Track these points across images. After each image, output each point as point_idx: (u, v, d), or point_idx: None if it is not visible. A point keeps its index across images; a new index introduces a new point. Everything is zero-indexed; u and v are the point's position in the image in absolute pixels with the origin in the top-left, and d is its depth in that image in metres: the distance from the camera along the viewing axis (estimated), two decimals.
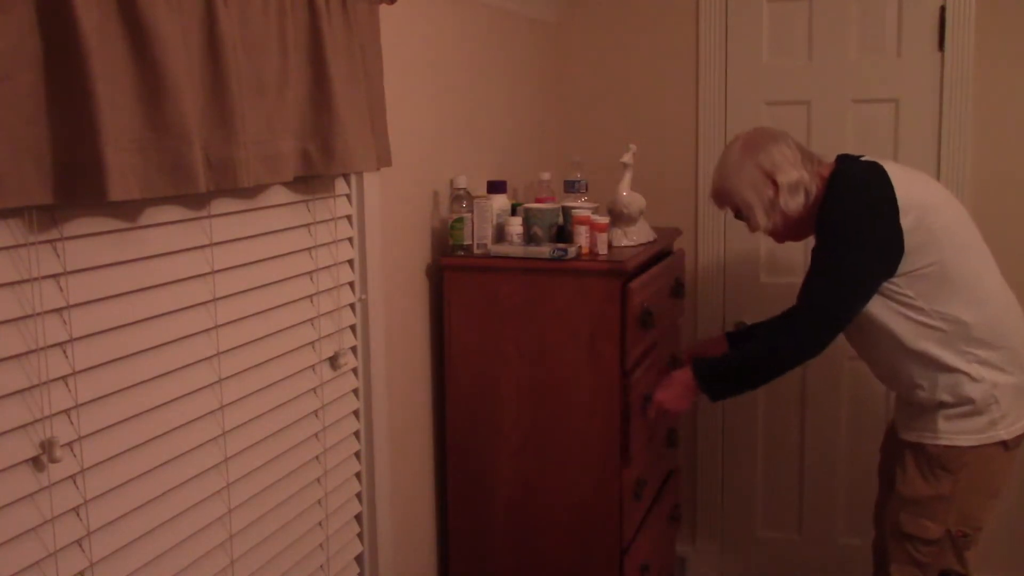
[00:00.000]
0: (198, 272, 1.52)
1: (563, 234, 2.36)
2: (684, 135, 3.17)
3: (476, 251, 2.29)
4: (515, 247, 2.28)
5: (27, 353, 1.21)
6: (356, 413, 2.04)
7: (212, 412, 1.57)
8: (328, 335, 1.91)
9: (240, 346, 1.63)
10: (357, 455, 2.06)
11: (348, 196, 1.98)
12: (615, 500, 2.26)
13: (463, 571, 2.42)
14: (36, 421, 1.23)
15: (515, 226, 2.32)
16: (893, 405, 2.33)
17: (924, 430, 2.13)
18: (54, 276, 1.25)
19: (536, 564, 2.35)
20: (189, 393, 1.51)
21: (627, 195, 2.46)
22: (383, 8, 1.96)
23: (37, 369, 1.22)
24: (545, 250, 2.23)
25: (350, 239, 1.99)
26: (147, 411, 1.42)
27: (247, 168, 1.46)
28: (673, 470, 2.85)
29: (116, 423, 1.36)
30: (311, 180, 1.84)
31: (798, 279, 3.04)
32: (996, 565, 2.90)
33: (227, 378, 1.60)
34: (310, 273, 1.85)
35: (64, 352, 1.27)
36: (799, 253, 3.05)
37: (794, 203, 2.18)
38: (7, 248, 1.18)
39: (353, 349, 2.02)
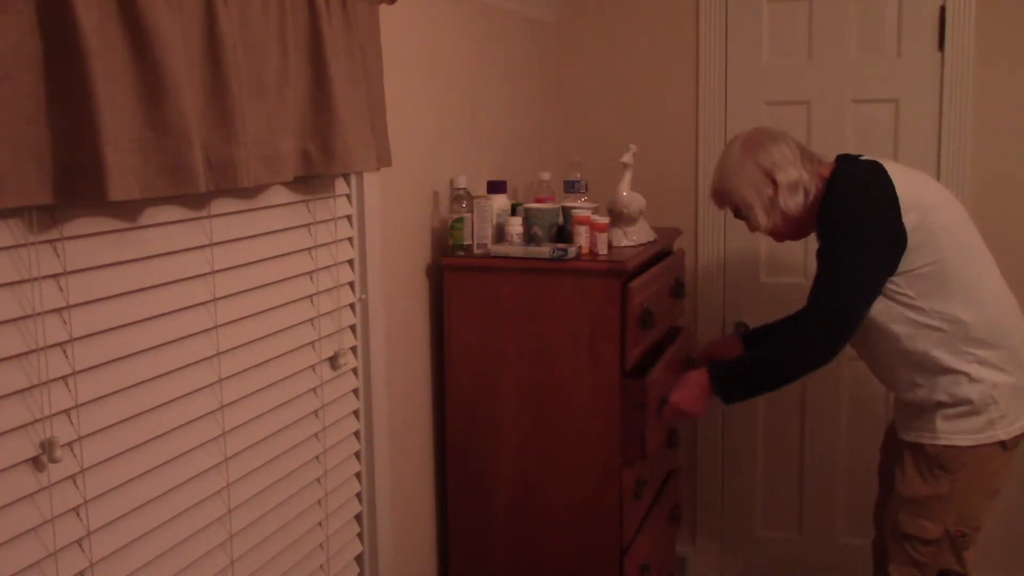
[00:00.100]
0: (198, 272, 1.52)
1: (563, 234, 2.36)
2: (684, 135, 3.17)
3: (476, 251, 2.29)
4: (515, 247, 2.28)
5: (27, 353, 1.21)
6: (356, 413, 2.04)
7: (212, 412, 1.57)
8: (328, 335, 1.91)
9: (240, 346, 1.64)
10: (357, 455, 2.06)
11: (348, 196, 1.98)
12: (615, 500, 2.26)
13: (463, 571, 2.42)
14: (36, 421, 1.23)
15: (515, 226, 2.32)
16: (893, 405, 2.33)
17: (923, 430, 2.13)
18: (54, 276, 1.25)
19: (536, 564, 2.35)
20: (189, 393, 1.51)
21: (627, 195, 2.46)
22: (383, 8, 1.96)
23: (37, 369, 1.22)
24: (545, 250, 2.23)
25: (350, 239, 1.99)
26: (147, 411, 1.42)
27: (247, 168, 1.46)
28: (673, 470, 2.85)
29: (116, 423, 1.36)
30: (311, 180, 1.84)
31: (798, 279, 3.08)
32: (995, 565, 2.90)
33: (227, 378, 1.60)
34: (310, 273, 1.85)
35: (64, 352, 1.27)
36: (799, 253, 3.06)
37: (793, 202, 2.19)
38: (7, 248, 1.18)
39: (353, 349, 2.02)
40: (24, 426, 1.21)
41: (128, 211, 1.36)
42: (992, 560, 2.87)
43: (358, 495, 2.07)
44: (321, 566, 1.93)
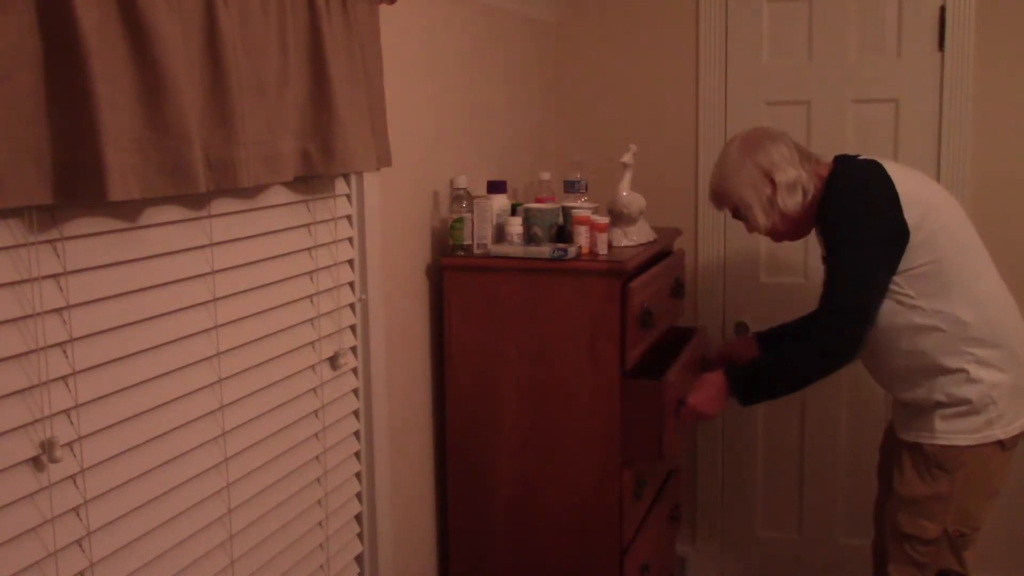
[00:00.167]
0: (198, 272, 1.52)
1: (563, 234, 2.36)
2: (684, 135, 3.17)
3: (476, 251, 2.29)
4: (515, 247, 2.28)
5: (27, 353, 1.21)
6: (356, 413, 2.04)
7: (212, 412, 1.57)
8: (328, 335, 1.91)
9: (240, 346, 1.63)
10: (357, 455, 2.06)
11: (348, 196, 1.98)
12: (615, 500, 2.26)
13: (463, 571, 2.42)
14: (36, 421, 1.23)
15: (515, 226, 2.32)
16: (891, 405, 2.33)
17: (921, 430, 2.13)
18: (54, 276, 1.25)
19: (536, 564, 2.35)
20: (189, 393, 1.51)
21: (627, 195, 2.46)
22: (383, 8, 1.96)
23: (37, 369, 1.22)
24: (545, 250, 2.23)
25: (350, 239, 1.99)
26: (147, 411, 1.42)
27: (247, 168, 1.46)
28: (673, 470, 2.85)
29: (116, 423, 1.36)
30: (311, 180, 1.84)
31: (798, 279, 3.09)
32: (994, 565, 2.90)
33: (227, 378, 1.60)
34: (310, 273, 1.85)
35: (64, 352, 1.27)
36: (799, 253, 3.06)
37: (792, 202, 2.19)
38: (7, 248, 1.18)
39: (353, 349, 2.02)
40: (24, 426, 1.21)
41: (128, 211, 1.36)
42: (991, 560, 2.86)
43: (358, 495, 2.07)
44: (321, 566, 1.93)
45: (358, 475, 2.07)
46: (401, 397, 2.22)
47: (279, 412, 1.76)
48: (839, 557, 3.15)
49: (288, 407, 1.78)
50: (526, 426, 2.30)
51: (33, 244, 1.21)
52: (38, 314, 1.22)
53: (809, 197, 2.20)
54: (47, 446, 1.23)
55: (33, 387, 1.22)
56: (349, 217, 1.99)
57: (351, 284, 2.01)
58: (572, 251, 2.23)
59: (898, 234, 2.05)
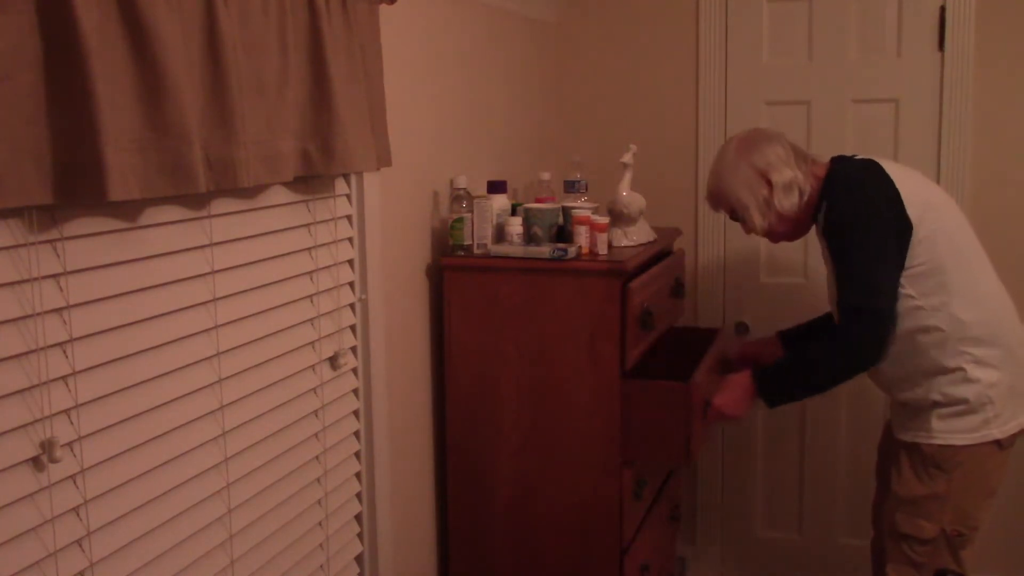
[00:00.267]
0: (198, 272, 1.52)
1: (563, 234, 2.36)
2: (684, 135, 3.17)
3: (476, 251, 2.29)
4: (515, 247, 2.28)
5: (27, 353, 1.21)
6: (356, 413, 2.04)
7: (212, 412, 1.57)
8: (328, 335, 1.91)
9: (240, 346, 1.64)
10: (357, 455, 2.06)
11: (348, 196, 1.98)
12: (615, 500, 2.26)
13: (463, 571, 2.42)
14: (36, 421, 1.23)
15: (515, 226, 2.32)
16: (889, 405, 2.33)
17: (919, 430, 2.13)
18: (54, 276, 1.25)
19: (536, 564, 2.35)
20: (189, 393, 1.51)
21: (627, 195, 2.46)
22: (383, 8, 1.96)
23: (37, 369, 1.22)
24: (545, 250, 2.23)
25: (350, 239, 1.99)
26: (147, 411, 1.42)
27: (247, 168, 1.46)
28: (673, 470, 2.85)
29: (116, 423, 1.36)
30: (311, 180, 1.84)
31: (798, 279, 3.09)
32: (993, 565, 2.90)
33: (227, 378, 1.60)
34: (310, 273, 1.85)
35: (64, 352, 1.27)
36: (799, 253, 3.06)
37: (788, 202, 2.19)
38: (7, 248, 1.18)
39: (353, 349, 2.02)
40: (24, 426, 1.21)
41: (128, 211, 1.36)
42: (990, 560, 2.86)
43: (358, 495, 2.07)
44: (321, 566, 1.93)
45: (358, 475, 2.07)
46: (401, 397, 2.22)
47: (279, 412, 1.76)
48: (839, 557, 3.15)
49: (288, 407, 1.78)
50: (526, 426, 2.30)
51: (33, 244, 1.21)
52: (38, 314, 1.22)
53: (805, 198, 2.20)
54: (47, 446, 1.23)
55: (33, 387, 1.22)
56: (349, 217, 1.99)
57: (351, 284, 2.01)
58: (572, 251, 2.23)
59: (902, 230, 2.05)
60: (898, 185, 2.07)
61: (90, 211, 1.29)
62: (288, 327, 1.77)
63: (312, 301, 1.86)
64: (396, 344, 2.18)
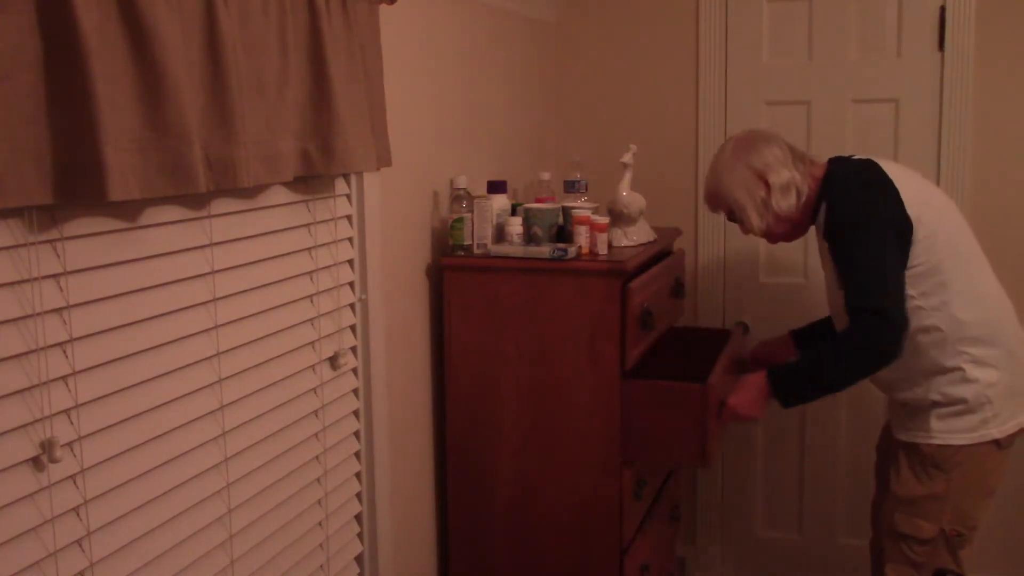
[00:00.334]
0: (198, 272, 1.52)
1: (563, 234, 2.36)
2: (684, 135, 3.17)
3: (476, 251, 2.29)
4: (515, 247, 2.28)
5: (27, 353, 1.21)
6: (356, 413, 2.04)
7: (212, 412, 1.57)
8: (328, 335, 1.91)
9: (240, 346, 1.64)
10: (357, 455, 2.06)
11: (348, 196, 1.98)
12: (615, 500, 2.26)
13: (463, 571, 2.42)
14: (36, 421, 1.23)
15: (515, 226, 2.32)
16: (888, 405, 2.33)
17: (918, 430, 2.13)
18: (54, 276, 1.25)
19: (536, 564, 2.35)
20: (189, 393, 1.51)
21: (627, 195, 2.46)
22: (383, 8, 1.96)
23: (37, 369, 1.22)
24: (545, 250, 2.23)
25: (350, 239, 1.99)
26: (147, 411, 1.42)
27: (247, 168, 1.46)
28: (673, 470, 2.85)
29: (116, 423, 1.36)
30: (311, 180, 1.84)
31: (798, 279, 3.09)
32: (992, 564, 2.90)
33: (227, 378, 1.60)
34: (310, 273, 1.85)
35: (64, 352, 1.27)
36: (799, 253, 3.06)
37: (786, 203, 2.19)
38: (7, 248, 1.18)
39: (353, 349, 2.02)
40: (24, 426, 1.21)
41: (128, 211, 1.36)
42: (989, 559, 2.87)
43: (358, 495, 2.07)
44: (321, 566, 1.93)
45: (358, 475, 2.07)
46: (401, 397, 2.22)
47: (279, 412, 1.76)
48: (839, 557, 3.15)
49: (288, 407, 1.78)
50: (526, 426, 2.30)
51: (33, 244, 1.21)
52: (38, 314, 1.22)
53: (803, 198, 2.19)
54: (47, 446, 1.23)
55: (33, 387, 1.22)
56: (349, 217, 1.99)
57: (351, 284, 2.01)
58: (572, 251, 2.23)
59: (903, 229, 2.04)
60: (897, 184, 2.07)
61: (90, 211, 1.29)
62: (288, 327, 1.77)
63: (312, 301, 1.86)
64: (396, 344, 2.18)
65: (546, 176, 2.60)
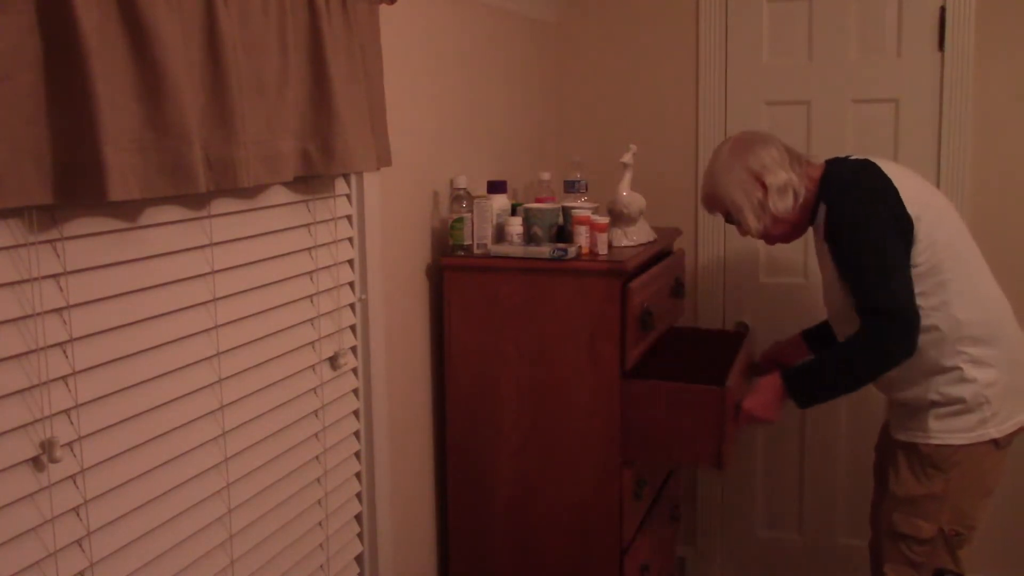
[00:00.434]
0: (198, 272, 1.52)
1: (563, 234, 2.36)
2: (684, 135, 3.17)
3: (476, 251, 2.30)
4: (515, 247, 2.28)
5: (27, 353, 1.21)
6: (356, 413, 2.05)
7: (212, 412, 1.57)
8: (328, 335, 1.91)
9: (240, 346, 1.64)
10: (357, 455, 2.06)
11: (348, 196, 1.98)
12: (615, 500, 2.26)
13: (463, 571, 2.42)
14: (36, 421, 1.23)
15: (515, 226, 2.32)
16: (886, 405, 2.33)
17: (916, 430, 2.13)
18: (54, 276, 1.25)
19: (536, 564, 2.35)
20: (189, 393, 1.51)
21: (627, 195, 2.46)
22: (383, 8, 1.96)
23: (37, 369, 1.22)
24: (545, 250, 2.23)
25: (350, 239, 1.99)
26: (147, 411, 1.42)
27: (247, 168, 1.46)
28: (673, 470, 2.85)
29: (116, 423, 1.36)
30: (311, 180, 1.84)
31: (798, 279, 3.09)
32: (991, 564, 2.91)
33: (227, 378, 1.60)
34: (310, 273, 1.85)
35: (64, 352, 1.27)
36: (799, 253, 3.06)
37: (783, 204, 2.18)
38: (7, 248, 1.18)
39: (353, 349, 2.02)
40: (24, 426, 1.21)
41: (128, 211, 1.36)
42: (988, 559, 2.87)
43: (358, 495, 2.07)
44: (321, 566, 1.93)
45: (358, 475, 2.07)
46: (401, 397, 2.22)
47: (279, 412, 1.76)
48: (839, 557, 3.15)
49: (288, 407, 1.78)
50: (526, 426, 2.30)
51: (33, 244, 1.21)
52: (38, 314, 1.22)
53: (800, 200, 2.19)
54: (47, 446, 1.23)
55: (33, 387, 1.22)
56: (349, 217, 1.99)
57: (351, 284, 2.01)
58: (572, 251, 2.23)
59: (906, 226, 2.04)
60: (896, 184, 2.07)
61: (90, 211, 1.29)
62: (288, 327, 1.77)
63: (312, 301, 1.86)
64: (396, 344, 2.19)
65: (546, 176, 2.60)
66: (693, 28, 3.12)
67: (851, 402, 3.08)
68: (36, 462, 1.23)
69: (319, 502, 1.91)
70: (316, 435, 1.88)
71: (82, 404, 1.30)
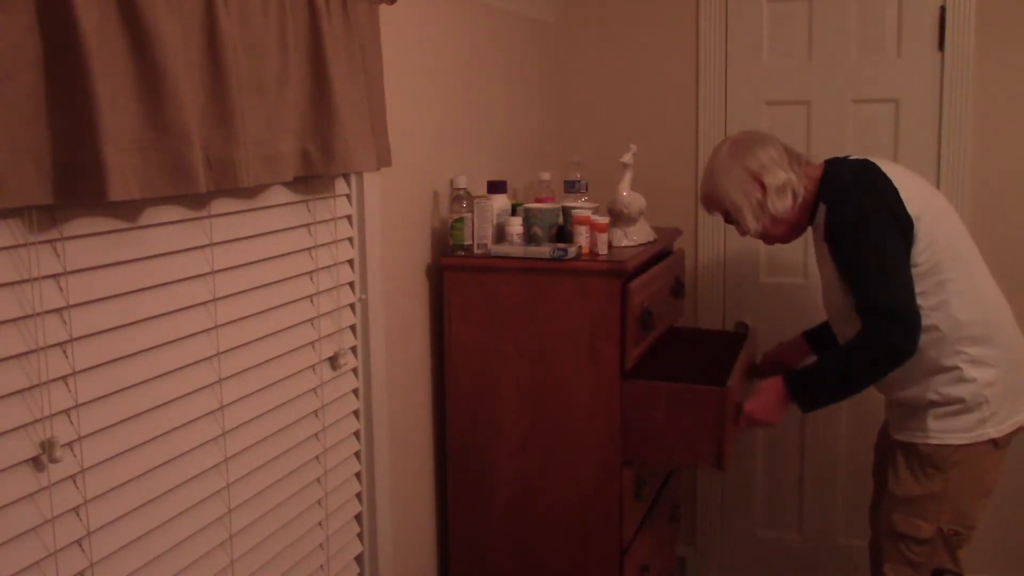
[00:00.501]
0: (198, 272, 1.52)
1: (563, 234, 2.36)
2: (684, 135, 3.17)
3: (476, 251, 2.30)
4: (515, 247, 2.28)
5: (27, 353, 1.21)
6: (356, 413, 2.04)
7: (212, 412, 1.57)
8: (328, 335, 1.91)
9: (240, 346, 1.64)
10: (357, 455, 2.06)
11: (348, 196, 1.98)
12: (615, 500, 2.26)
13: (463, 571, 2.42)
14: (36, 421, 1.23)
15: (515, 226, 2.32)
16: (885, 405, 2.33)
17: (915, 430, 2.13)
18: (54, 276, 1.25)
19: (536, 564, 2.35)
20: (189, 393, 1.51)
21: (627, 195, 2.46)
22: (383, 8, 1.96)
23: (37, 369, 1.22)
24: (545, 250, 2.23)
25: (350, 239, 1.99)
26: (147, 411, 1.42)
27: (247, 168, 1.46)
28: (673, 470, 2.85)
29: (116, 423, 1.36)
30: (311, 180, 1.84)
31: (798, 279, 3.09)
32: (990, 564, 2.91)
33: (227, 378, 1.60)
34: (310, 273, 1.85)
35: (64, 352, 1.27)
36: (799, 253, 3.06)
37: (782, 204, 2.18)
38: (7, 248, 1.18)
39: (353, 349, 2.02)
40: (24, 426, 1.21)
41: (128, 211, 1.36)
42: (987, 559, 2.87)
43: (358, 495, 2.07)
44: (321, 566, 1.93)
45: (358, 475, 2.07)
46: (401, 397, 2.22)
47: (279, 412, 1.76)
48: (839, 557, 3.15)
49: (288, 407, 1.78)
50: (526, 426, 2.30)
51: (33, 244, 1.21)
52: (38, 314, 1.22)
53: (800, 200, 2.19)
54: (47, 446, 1.23)
55: (33, 387, 1.22)
56: (349, 217, 1.99)
57: (351, 284, 2.01)
58: (572, 251, 2.23)
59: (906, 225, 2.04)
60: (896, 184, 2.07)
61: (90, 211, 1.29)
62: (288, 327, 1.77)
63: (312, 301, 1.86)
64: (396, 344, 2.19)
65: (546, 176, 2.60)
66: (693, 28, 3.12)
67: (851, 402, 3.05)
68: (36, 462, 1.23)
69: (319, 502, 1.91)
70: (316, 435, 1.88)
71: (82, 404, 1.30)
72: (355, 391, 2.03)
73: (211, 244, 1.55)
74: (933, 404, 2.10)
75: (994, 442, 2.09)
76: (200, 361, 1.53)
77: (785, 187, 2.17)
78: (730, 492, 3.27)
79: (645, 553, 2.47)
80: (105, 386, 1.34)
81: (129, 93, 1.24)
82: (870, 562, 2.45)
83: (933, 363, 2.09)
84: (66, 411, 1.28)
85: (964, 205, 2.87)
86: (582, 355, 2.23)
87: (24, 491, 1.21)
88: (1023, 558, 2.97)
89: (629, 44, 3.21)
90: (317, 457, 1.89)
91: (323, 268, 1.89)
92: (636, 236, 2.45)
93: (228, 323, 1.60)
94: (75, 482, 1.30)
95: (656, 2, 3.16)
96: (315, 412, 1.88)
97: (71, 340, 1.28)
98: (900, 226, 2.04)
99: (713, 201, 2.30)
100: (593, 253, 2.28)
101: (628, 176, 2.50)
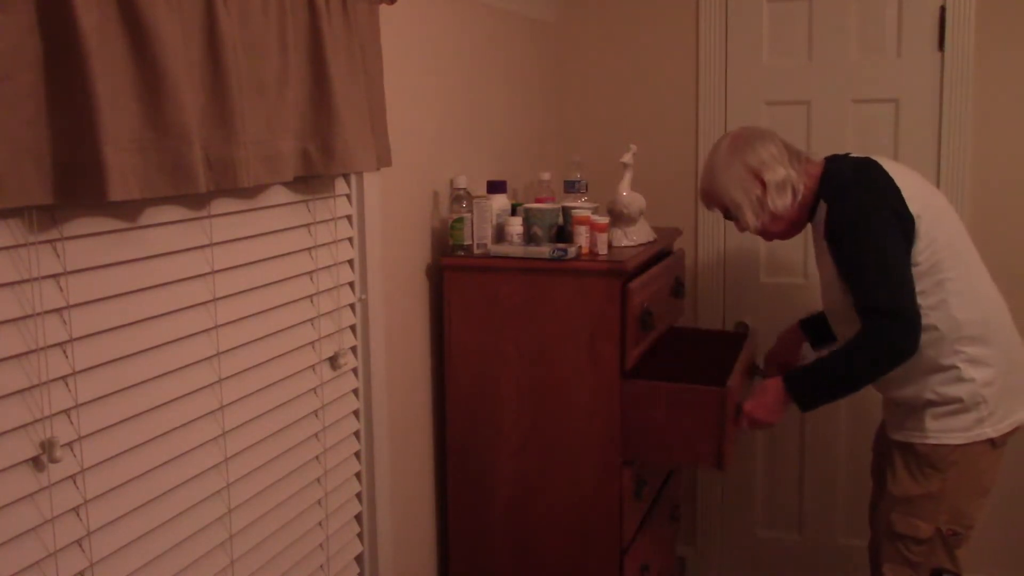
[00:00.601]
0: (198, 272, 1.52)
1: (563, 234, 2.36)
2: (684, 135, 3.17)
3: (476, 251, 2.30)
4: (515, 247, 2.28)
5: (27, 353, 1.21)
6: (356, 413, 2.05)
7: (212, 412, 1.57)
8: (328, 335, 1.91)
9: (240, 346, 1.64)
10: (357, 455, 2.06)
11: (348, 196, 1.98)
12: (615, 500, 2.26)
13: (463, 571, 2.42)
14: (36, 421, 1.23)
15: (515, 226, 2.32)
16: (883, 405, 2.33)
17: (913, 430, 2.13)
18: (54, 276, 1.25)
19: (536, 564, 2.35)
20: (189, 393, 1.51)
21: (627, 195, 2.46)
22: (383, 8, 1.96)
23: (37, 369, 1.22)
24: (545, 250, 2.23)
25: (350, 239, 1.99)
26: (147, 411, 1.42)
27: (247, 168, 1.46)
28: (673, 470, 2.85)
29: (116, 423, 1.36)
30: (311, 180, 1.84)
31: (798, 279, 3.09)
32: (989, 564, 2.90)
33: (227, 378, 1.60)
34: (310, 273, 1.85)
35: (64, 352, 1.27)
36: (799, 253, 3.06)
37: (781, 201, 2.18)
38: (7, 248, 1.18)
39: (353, 349, 2.02)
40: (24, 426, 1.21)
41: (128, 211, 1.36)
42: (986, 559, 2.87)
43: (358, 495, 2.07)
44: (321, 566, 1.93)
45: (358, 475, 2.07)
46: (401, 397, 2.22)
47: (279, 412, 1.76)
48: (839, 557, 3.15)
49: (288, 407, 1.78)
50: (526, 426, 2.30)
51: (33, 244, 1.21)
52: (38, 314, 1.22)
53: (799, 197, 2.19)
54: (47, 446, 1.23)
55: (33, 387, 1.22)
56: (349, 217, 1.99)
57: (351, 284, 2.01)
58: (572, 251, 2.23)
59: (907, 224, 2.04)
60: (897, 182, 2.07)
61: (90, 211, 1.29)
62: (288, 327, 1.77)
63: (312, 301, 1.86)
64: (396, 344, 2.19)
65: (546, 176, 2.60)
66: (693, 28, 3.12)
67: (851, 402, 3.07)
68: (36, 462, 1.23)
69: (319, 502, 1.91)
70: (316, 435, 1.88)
71: (82, 404, 1.30)
72: (355, 391, 2.03)
73: (211, 244, 1.55)
74: (931, 404, 2.10)
75: (992, 442, 2.09)
76: (200, 361, 1.53)
77: (785, 184, 2.17)
78: (730, 492, 3.27)
79: (645, 553, 2.47)
80: (105, 386, 1.34)
81: (129, 93, 1.24)
82: (870, 562, 2.45)
83: (931, 362, 2.09)
84: (66, 411, 1.28)
85: (964, 205, 2.87)
86: (582, 355, 2.23)
87: (24, 491, 1.21)
88: (1022, 558, 2.97)
89: (629, 44, 3.21)
90: (317, 457, 1.89)
91: (323, 268, 1.89)
92: (636, 236, 2.45)
93: (228, 323, 1.60)
94: (75, 482, 1.30)
95: (656, 2, 3.16)
96: (315, 412, 1.88)
97: (71, 340, 1.28)
98: (901, 225, 2.04)
99: (712, 197, 2.30)
100: (593, 253, 2.28)
101: (628, 176, 2.50)
